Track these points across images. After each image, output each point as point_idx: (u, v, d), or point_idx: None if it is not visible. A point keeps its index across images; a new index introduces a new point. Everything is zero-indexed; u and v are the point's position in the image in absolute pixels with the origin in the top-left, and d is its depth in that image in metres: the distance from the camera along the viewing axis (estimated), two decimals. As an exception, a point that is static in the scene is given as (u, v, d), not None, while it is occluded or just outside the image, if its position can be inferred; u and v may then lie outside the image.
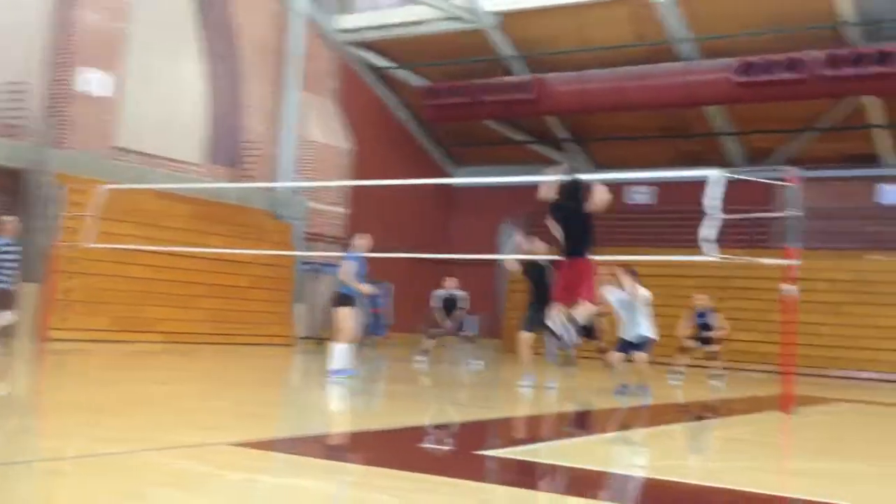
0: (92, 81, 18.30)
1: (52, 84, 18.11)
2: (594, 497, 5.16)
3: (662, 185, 24.78)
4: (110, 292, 17.30)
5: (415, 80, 25.09)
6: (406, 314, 24.56)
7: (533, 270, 11.92)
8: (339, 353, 11.43)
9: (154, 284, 18.02)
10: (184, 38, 20.74)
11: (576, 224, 9.55)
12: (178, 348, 16.34)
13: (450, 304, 17.36)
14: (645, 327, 11.51)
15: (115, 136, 18.90)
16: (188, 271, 18.50)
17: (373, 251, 12.29)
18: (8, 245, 12.11)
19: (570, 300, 9.57)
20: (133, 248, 15.93)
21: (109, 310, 17.25)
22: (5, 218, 12.55)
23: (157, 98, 19.95)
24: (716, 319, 15.94)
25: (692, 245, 19.90)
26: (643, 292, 11.59)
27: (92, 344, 15.78)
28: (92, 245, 12.91)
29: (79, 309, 16.70)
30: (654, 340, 11.63)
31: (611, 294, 11.59)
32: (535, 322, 11.33)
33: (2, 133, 17.42)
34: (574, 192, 9.67)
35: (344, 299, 11.64)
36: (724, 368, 16.06)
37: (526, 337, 11.85)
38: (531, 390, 11.30)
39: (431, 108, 24.03)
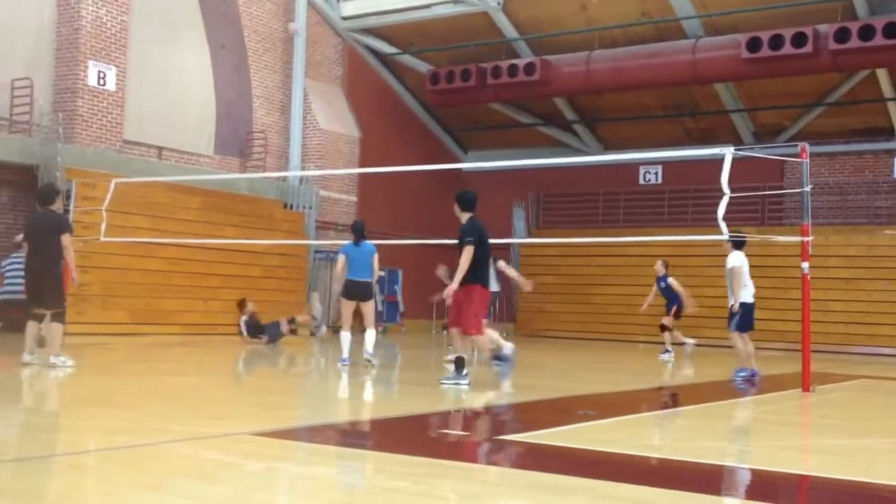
0: (98, 75, 18.33)
1: (58, 79, 18.16)
2: (616, 480, 5.16)
3: (667, 165, 24.69)
4: (126, 285, 17.38)
5: (420, 65, 25.04)
6: (417, 301, 24.60)
7: None
8: (371, 340, 11.90)
9: (170, 277, 18.11)
10: (188, 28, 20.72)
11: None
12: (195, 340, 16.40)
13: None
14: None
15: (123, 129, 18.94)
16: (203, 263, 18.57)
17: (382, 238, 12.40)
18: None
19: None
20: (149, 241, 15.99)
21: (126, 303, 17.34)
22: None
23: (164, 90, 19.96)
24: (673, 284, 16.08)
25: (700, 224, 19.86)
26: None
27: (110, 337, 15.86)
28: (105, 239, 12.92)
29: (95, 303, 16.79)
30: None
31: None
32: None
33: (11, 129, 17.48)
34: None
35: (369, 288, 11.89)
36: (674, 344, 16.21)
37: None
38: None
39: (436, 92, 23.98)
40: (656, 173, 25.29)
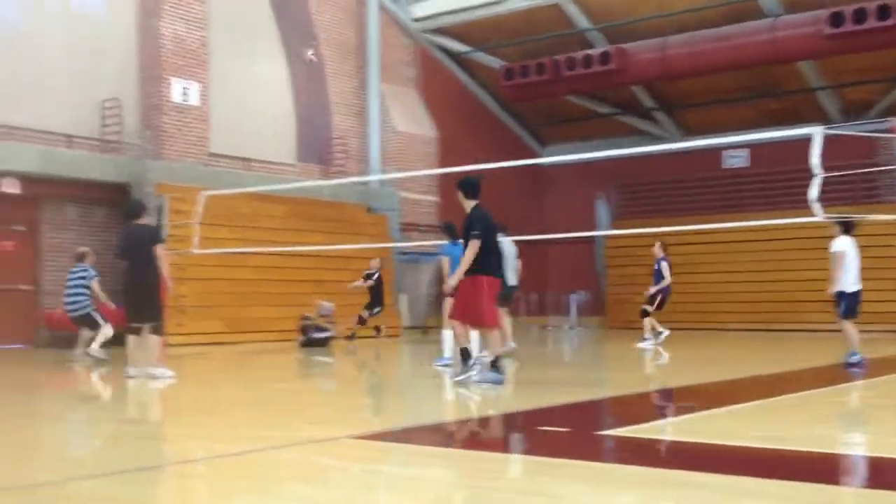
0: (182, 91, 18.79)
1: (144, 97, 18.67)
2: (731, 473, 5.07)
3: (755, 148, 24.15)
4: (220, 295, 17.78)
5: (493, 62, 25.00)
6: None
7: None
8: (446, 339, 11.70)
9: (260, 285, 18.45)
10: (264, 39, 21.11)
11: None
12: (289, 346, 16.67)
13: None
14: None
15: (209, 142, 19.37)
16: (292, 269, 18.87)
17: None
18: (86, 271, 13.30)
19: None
20: (243, 251, 16.30)
21: (221, 312, 17.72)
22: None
23: (245, 101, 20.37)
24: (664, 269, 15.43)
25: (790, 206, 19.35)
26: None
27: (207, 347, 16.24)
28: (199, 251, 13.22)
29: (192, 313, 17.21)
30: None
31: None
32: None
33: (103, 149, 18.03)
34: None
35: None
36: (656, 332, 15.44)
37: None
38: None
39: (510, 88, 23.92)
40: (742, 157, 24.77)
